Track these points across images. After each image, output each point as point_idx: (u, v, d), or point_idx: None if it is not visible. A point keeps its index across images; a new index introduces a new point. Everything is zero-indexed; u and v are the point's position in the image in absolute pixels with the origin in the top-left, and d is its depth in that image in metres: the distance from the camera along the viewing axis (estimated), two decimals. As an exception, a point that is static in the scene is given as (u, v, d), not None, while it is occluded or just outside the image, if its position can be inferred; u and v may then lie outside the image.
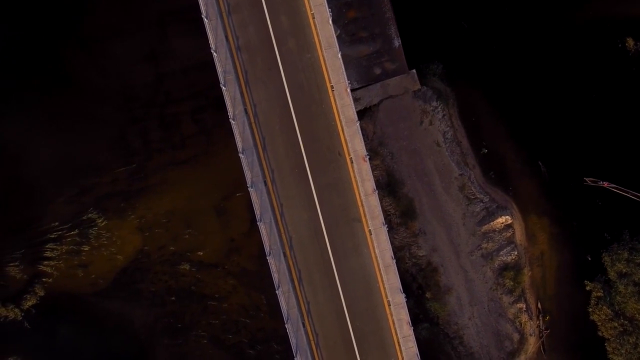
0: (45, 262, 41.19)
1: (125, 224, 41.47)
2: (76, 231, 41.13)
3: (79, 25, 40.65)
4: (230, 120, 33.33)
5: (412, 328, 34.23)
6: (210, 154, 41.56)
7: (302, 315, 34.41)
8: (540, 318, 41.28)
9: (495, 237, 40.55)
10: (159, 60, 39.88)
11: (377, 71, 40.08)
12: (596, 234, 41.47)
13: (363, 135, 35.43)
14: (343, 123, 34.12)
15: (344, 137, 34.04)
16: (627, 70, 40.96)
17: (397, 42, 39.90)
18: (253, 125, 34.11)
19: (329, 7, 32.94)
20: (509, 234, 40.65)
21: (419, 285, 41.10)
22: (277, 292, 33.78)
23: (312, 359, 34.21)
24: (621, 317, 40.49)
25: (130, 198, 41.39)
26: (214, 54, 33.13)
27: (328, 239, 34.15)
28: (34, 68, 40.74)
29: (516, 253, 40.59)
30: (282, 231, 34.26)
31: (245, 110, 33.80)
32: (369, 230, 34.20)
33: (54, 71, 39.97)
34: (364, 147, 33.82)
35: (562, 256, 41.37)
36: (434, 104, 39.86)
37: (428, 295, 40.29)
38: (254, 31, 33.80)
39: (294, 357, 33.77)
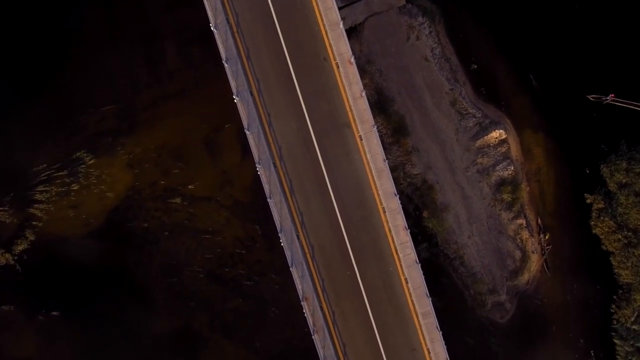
0: (35, 206, 40.34)
1: (114, 161, 40.73)
2: (65, 171, 40.47)
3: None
4: (212, 29, 32.73)
5: (409, 234, 33.48)
6: (199, 87, 40.88)
7: (295, 227, 33.51)
8: (542, 234, 40.36)
9: (490, 152, 39.82)
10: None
11: (361, -11, 39.99)
12: (593, 146, 40.74)
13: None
14: (327, 27, 33.51)
15: (329, 41, 33.41)
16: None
17: (379, -40, 39.88)
18: (236, 34, 33.49)
19: None
20: (504, 149, 39.92)
21: (415, 207, 40.24)
22: (268, 202, 33.07)
23: (308, 271, 33.44)
24: (624, 229, 39.60)
25: (119, 135, 40.66)
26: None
27: (318, 147, 33.43)
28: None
29: (512, 168, 39.82)
30: (271, 141, 33.52)
31: (227, 19, 33.47)
32: (359, 136, 33.53)
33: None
34: (350, 49, 33.21)
35: (560, 170, 40.58)
36: (420, 19, 39.43)
37: (425, 214, 39.44)
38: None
39: (289, 268, 32.84)
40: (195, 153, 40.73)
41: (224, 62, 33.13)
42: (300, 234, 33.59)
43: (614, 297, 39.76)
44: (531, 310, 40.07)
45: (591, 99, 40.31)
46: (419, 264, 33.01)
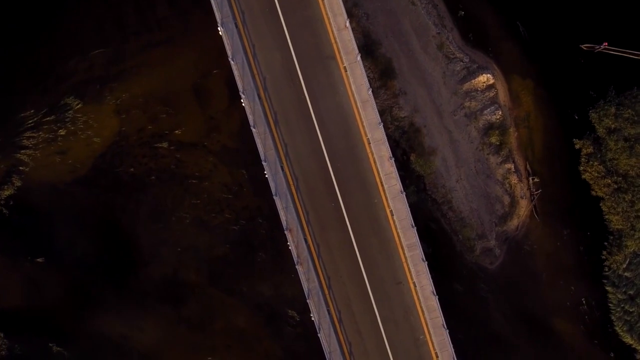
0: (22, 151, 40.16)
1: (102, 107, 40.68)
2: (52, 117, 40.50)
3: None
4: (198, -37, 33.41)
5: (394, 164, 33.18)
6: (186, 34, 40.99)
7: (280, 158, 33.26)
8: (530, 180, 39.97)
9: (478, 97, 39.71)
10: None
11: (348, -64, 40.37)
12: (581, 93, 40.63)
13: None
14: (311, -39, 34.20)
15: (313, -26, 34.04)
16: None
17: None
18: (221, -32, 34.16)
19: None
20: (491, 94, 39.78)
21: (403, 152, 39.97)
22: (252, 131, 32.83)
23: (292, 202, 33.07)
24: (614, 174, 39.20)
25: (107, 82, 40.63)
26: None
27: (303, 79, 33.36)
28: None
29: (500, 113, 39.66)
30: (255, 72, 33.48)
31: (213, -46, 34.01)
32: (344, 67, 33.57)
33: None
34: (334, -18, 33.70)
35: (548, 116, 40.40)
36: (407, -35, 39.97)
37: (412, 157, 39.17)
38: None
39: (273, 196, 32.44)
40: (183, 99, 40.67)
41: (208, -7, 33.65)
42: (285, 164, 33.34)
43: (605, 243, 39.27)
44: (521, 257, 39.51)
45: (584, 48, 40.40)
46: (404, 194, 32.64)
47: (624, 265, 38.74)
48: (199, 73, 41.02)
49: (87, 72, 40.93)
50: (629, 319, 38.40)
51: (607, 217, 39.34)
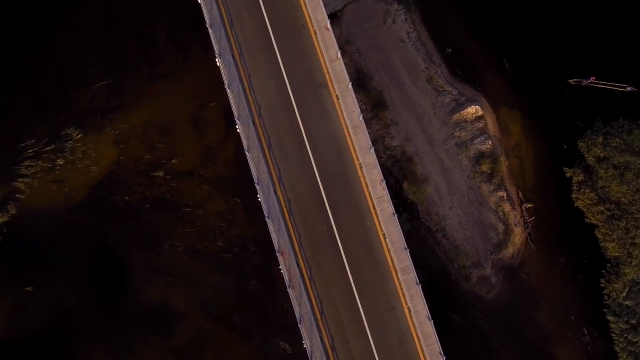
0: (20, 180, 40.81)
1: (101, 137, 41.71)
2: (53, 147, 41.40)
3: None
4: (199, 0, 35.50)
5: (386, 188, 33.44)
6: (186, 68, 42.93)
7: (273, 182, 33.69)
8: (524, 207, 40.02)
9: (468, 127, 40.71)
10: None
11: (340, -19, 43.24)
12: (568, 123, 41.74)
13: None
14: (306, -1, 36.42)
15: (307, 10, 35.82)
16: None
17: (356, -44, 43.52)
18: (221, 5, 36.15)
19: None
20: (481, 125, 40.85)
21: (396, 180, 40.38)
22: (246, 155, 33.51)
23: (285, 225, 33.04)
24: (607, 202, 39.41)
25: (108, 113, 42.01)
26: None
27: (297, 106, 34.54)
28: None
29: (491, 143, 40.50)
30: (251, 100, 34.75)
31: (214, -8, 36.32)
32: (336, 95, 34.82)
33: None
34: (327, 17, 35.40)
35: (538, 146, 41.19)
36: (396, 6, 42.24)
37: (406, 185, 39.50)
38: None
39: (266, 219, 32.46)
40: (181, 129, 41.78)
41: (208, 27, 35.29)
42: (278, 188, 33.69)
43: (603, 271, 38.69)
44: (519, 285, 38.74)
45: (572, 83, 42.06)
46: (396, 216, 32.73)
47: (624, 294, 37.95)
48: (197, 105, 42.48)
49: (89, 103, 42.45)
50: (633, 349, 37.02)
51: (603, 244, 39.13)
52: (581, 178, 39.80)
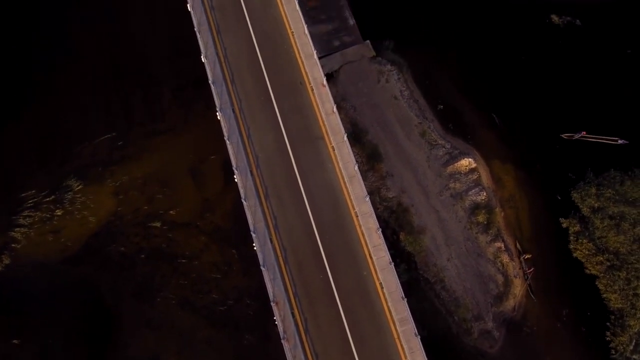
0: (17, 229, 40.89)
1: (101, 188, 42.35)
2: (52, 197, 41.87)
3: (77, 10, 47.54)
4: (203, 59, 37.54)
5: (382, 236, 33.32)
6: (188, 124, 44.52)
7: (269, 230, 33.70)
8: (522, 258, 39.50)
9: (462, 179, 41.34)
10: (146, 44, 45.95)
11: (337, 43, 45.79)
12: (560, 175, 42.46)
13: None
14: (303, 58, 38.30)
15: (304, 69, 37.89)
16: (556, 38, 46.87)
17: (351, 22, 46.51)
18: (223, 64, 38.22)
19: None
20: (474, 177, 41.51)
21: (392, 231, 40.28)
22: (243, 204, 33.83)
23: (280, 274, 32.54)
24: (605, 252, 39.07)
25: (110, 165, 43.02)
26: (190, 10, 39.23)
27: (293, 157, 35.44)
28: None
29: (485, 194, 40.92)
30: (249, 150, 35.71)
31: (217, 52, 38.40)
32: (332, 147, 35.81)
33: (50, 42, 45.53)
34: (323, 75, 37.41)
35: (532, 197, 41.53)
36: (389, 67, 44.65)
37: (402, 236, 39.32)
38: (226, -5, 40.58)
39: (260, 268, 32.15)
40: (180, 181, 42.52)
41: (210, 83, 37.26)
42: (273, 236, 33.66)
43: (608, 323, 37.47)
44: (522, 339, 37.22)
45: (565, 137, 43.53)
46: (393, 265, 32.36)
47: (631, 347, 36.46)
48: (197, 158, 43.57)
49: (92, 156, 43.65)
50: (645, 408, 35.04)
51: (605, 295, 38.26)
52: (577, 228, 39.85)
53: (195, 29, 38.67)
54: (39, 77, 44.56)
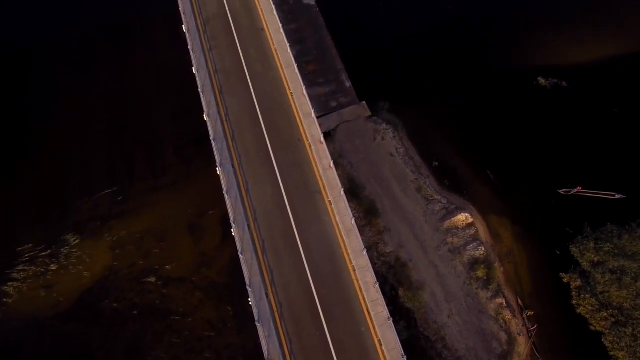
0: (10, 284, 40.27)
1: (99, 243, 42.21)
2: (49, 252, 41.60)
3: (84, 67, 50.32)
4: (205, 117, 39.08)
5: (379, 290, 32.63)
6: (189, 179, 45.33)
7: (265, 285, 33.11)
8: (525, 315, 38.27)
9: (459, 234, 41.17)
10: (151, 103, 47.93)
11: (334, 104, 47.78)
12: (558, 230, 42.33)
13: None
14: (301, 116, 39.93)
15: (303, 127, 39.35)
16: (544, 98, 49.03)
17: (348, 84, 48.84)
18: (224, 122, 39.76)
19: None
20: (472, 232, 41.40)
21: (391, 287, 39.45)
22: (239, 257, 33.56)
23: (275, 330, 31.55)
24: (609, 307, 38.03)
25: (109, 220, 43.24)
26: (195, 73, 41.46)
27: (291, 211, 35.75)
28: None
29: (483, 249, 40.57)
30: (247, 205, 36.09)
31: (219, 111, 40.04)
32: (329, 201, 36.16)
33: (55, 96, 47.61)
34: (320, 133, 38.79)
35: (531, 252, 41.07)
36: (385, 126, 46.23)
37: (401, 291, 38.41)
38: (229, 59, 42.87)
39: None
40: (178, 236, 42.43)
41: (211, 140, 38.55)
42: (269, 290, 33.07)
43: (619, 386, 35.64)
44: (531, 404, 35.30)
45: (562, 192, 44.13)
46: (391, 321, 31.41)
47: (645, 412, 34.46)
48: (196, 213, 43.79)
49: (91, 210, 43.97)
50: None
51: (612, 353, 36.70)
52: (579, 283, 39.18)
53: (200, 90, 40.86)
54: (42, 130, 46.38)
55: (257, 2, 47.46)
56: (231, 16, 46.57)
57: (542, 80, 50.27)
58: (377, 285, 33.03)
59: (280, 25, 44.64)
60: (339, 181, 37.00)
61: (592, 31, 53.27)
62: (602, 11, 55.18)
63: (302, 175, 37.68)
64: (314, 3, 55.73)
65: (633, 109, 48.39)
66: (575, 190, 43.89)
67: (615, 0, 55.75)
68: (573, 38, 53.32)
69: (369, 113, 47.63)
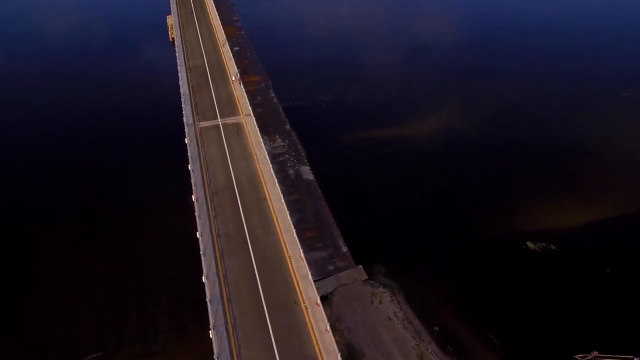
0: None
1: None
2: None
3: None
4: (203, 279, 39.31)
5: None
6: (180, 346, 43.04)
7: None
8: None
9: (469, 408, 37.06)
10: (152, 265, 48.45)
11: (331, 268, 48.60)
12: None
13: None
14: (298, 279, 40.30)
15: (299, 289, 39.33)
16: (533, 261, 50.31)
17: (344, 249, 50.50)
18: (222, 284, 39.94)
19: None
20: (483, 406, 37.36)
21: None
22: None
23: None
24: None
25: (87, 390, 39.56)
26: (199, 237, 43.47)
27: (285, 379, 33.08)
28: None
29: None
30: (238, 370, 33.53)
31: (217, 273, 40.52)
32: (326, 366, 33.75)
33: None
34: (317, 295, 38.59)
35: None
36: (381, 289, 46.17)
37: None
38: (232, 225, 45.32)
39: None
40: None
41: (207, 301, 38.20)
42: None
43: None
44: None
45: (578, 358, 41.82)
46: None
47: None
48: (183, 379, 40.79)
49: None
50: None
51: None
52: None
53: (201, 253, 42.42)
54: (29, 289, 46.24)
55: (261, 177, 52.85)
56: (237, 188, 51.40)
57: (530, 244, 52.40)
58: None
59: (282, 195, 48.91)
60: (335, 346, 35.46)
61: (571, 198, 57.92)
62: (582, 178, 60.91)
63: (298, 339, 36.25)
64: (312, 178, 61.85)
65: (624, 269, 49.35)
66: (592, 355, 41.69)
67: (591, 169, 62.32)
68: (557, 205, 57.71)
69: (365, 276, 48.24)
